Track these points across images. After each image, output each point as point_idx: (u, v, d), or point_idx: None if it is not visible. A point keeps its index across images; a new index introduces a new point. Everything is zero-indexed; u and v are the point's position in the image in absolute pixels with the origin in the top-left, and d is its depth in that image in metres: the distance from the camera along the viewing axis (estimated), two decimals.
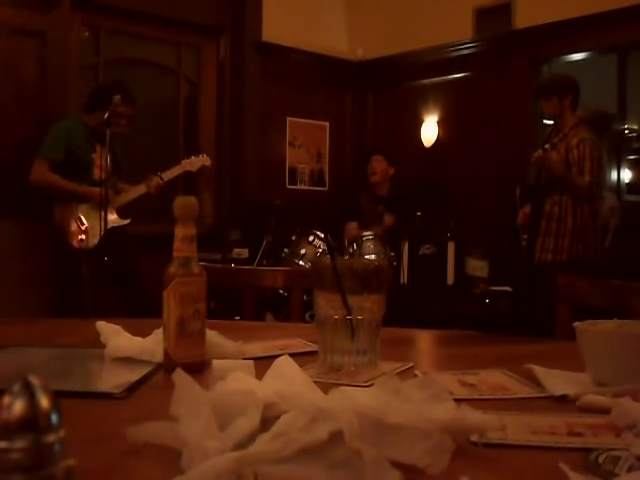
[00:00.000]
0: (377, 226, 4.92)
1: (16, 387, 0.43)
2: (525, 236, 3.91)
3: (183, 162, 4.04)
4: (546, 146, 3.66)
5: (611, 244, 4.59)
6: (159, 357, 1.02)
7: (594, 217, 3.74)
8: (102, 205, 3.53)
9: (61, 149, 3.75)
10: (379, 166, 5.13)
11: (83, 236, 3.69)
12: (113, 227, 3.75)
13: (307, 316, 2.63)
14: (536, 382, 0.91)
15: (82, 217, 3.75)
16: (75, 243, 3.71)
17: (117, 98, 3.71)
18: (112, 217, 3.78)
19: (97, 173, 3.79)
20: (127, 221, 3.91)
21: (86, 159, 3.79)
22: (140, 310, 3.62)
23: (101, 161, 3.75)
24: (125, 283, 3.90)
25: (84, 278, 3.52)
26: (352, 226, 5.03)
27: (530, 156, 3.86)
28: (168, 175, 3.96)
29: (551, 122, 4.08)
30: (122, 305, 3.93)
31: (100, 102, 3.78)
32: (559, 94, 3.72)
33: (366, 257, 4.62)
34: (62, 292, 3.89)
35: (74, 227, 3.74)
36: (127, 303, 3.90)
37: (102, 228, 3.58)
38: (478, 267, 5.15)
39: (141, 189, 3.92)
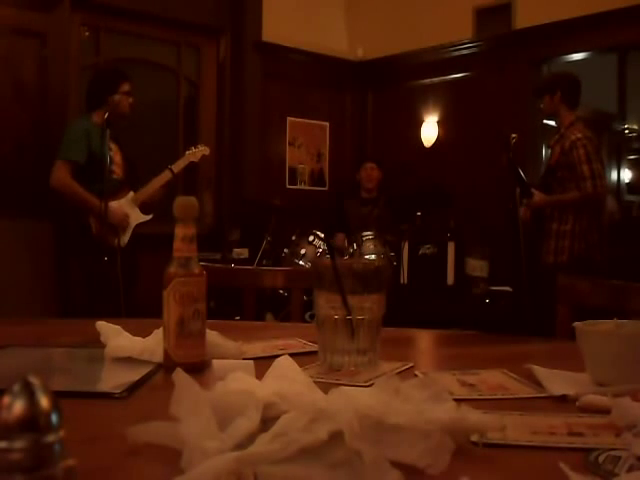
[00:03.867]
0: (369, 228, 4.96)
1: (16, 387, 0.43)
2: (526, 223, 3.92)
3: (187, 154, 4.07)
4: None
5: (611, 244, 4.59)
6: (159, 357, 1.02)
7: (597, 216, 3.73)
8: (103, 210, 3.51)
9: (83, 151, 3.65)
10: (373, 174, 5.35)
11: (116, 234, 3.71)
12: (138, 224, 3.79)
13: (307, 316, 2.63)
14: (536, 382, 0.91)
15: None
16: (111, 241, 3.68)
17: (116, 97, 3.72)
18: (135, 214, 3.80)
19: (117, 172, 3.77)
20: (149, 217, 3.88)
21: (105, 158, 3.69)
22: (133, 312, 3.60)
23: (119, 158, 3.79)
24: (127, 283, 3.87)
25: (119, 276, 3.52)
26: (339, 237, 5.11)
27: (529, 158, 3.88)
28: (177, 167, 3.98)
29: (551, 122, 4.09)
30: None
31: (100, 98, 3.75)
32: (549, 92, 3.75)
33: (366, 257, 4.62)
34: (91, 292, 3.84)
35: (108, 225, 3.66)
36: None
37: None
38: (478, 267, 5.14)
39: (157, 183, 3.90)
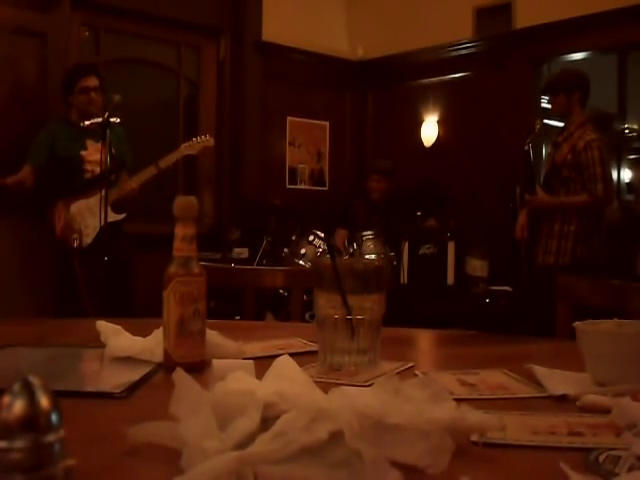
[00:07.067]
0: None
1: (16, 387, 0.43)
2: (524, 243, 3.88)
3: (182, 146, 3.91)
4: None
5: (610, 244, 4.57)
6: (159, 357, 1.02)
7: (600, 218, 3.63)
8: (102, 202, 3.45)
9: (43, 153, 3.72)
10: (378, 186, 5.19)
11: (76, 235, 3.65)
12: (108, 224, 3.66)
13: (307, 316, 2.63)
14: (536, 382, 0.91)
15: (76, 216, 3.68)
16: (71, 242, 3.66)
17: (72, 99, 3.74)
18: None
19: (89, 170, 3.70)
20: (122, 216, 3.75)
21: (74, 158, 3.69)
22: (125, 310, 3.56)
23: (99, 156, 3.58)
24: (115, 282, 3.68)
25: (78, 278, 3.49)
26: (341, 233, 5.06)
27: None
28: (165, 162, 3.80)
29: (552, 122, 4.06)
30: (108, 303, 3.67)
31: (65, 91, 3.80)
32: (566, 91, 3.58)
33: (366, 257, 4.61)
34: (60, 292, 3.85)
35: (67, 226, 3.67)
36: (113, 302, 3.66)
37: (99, 224, 3.54)
38: (478, 267, 5.14)
39: (136, 181, 3.77)
